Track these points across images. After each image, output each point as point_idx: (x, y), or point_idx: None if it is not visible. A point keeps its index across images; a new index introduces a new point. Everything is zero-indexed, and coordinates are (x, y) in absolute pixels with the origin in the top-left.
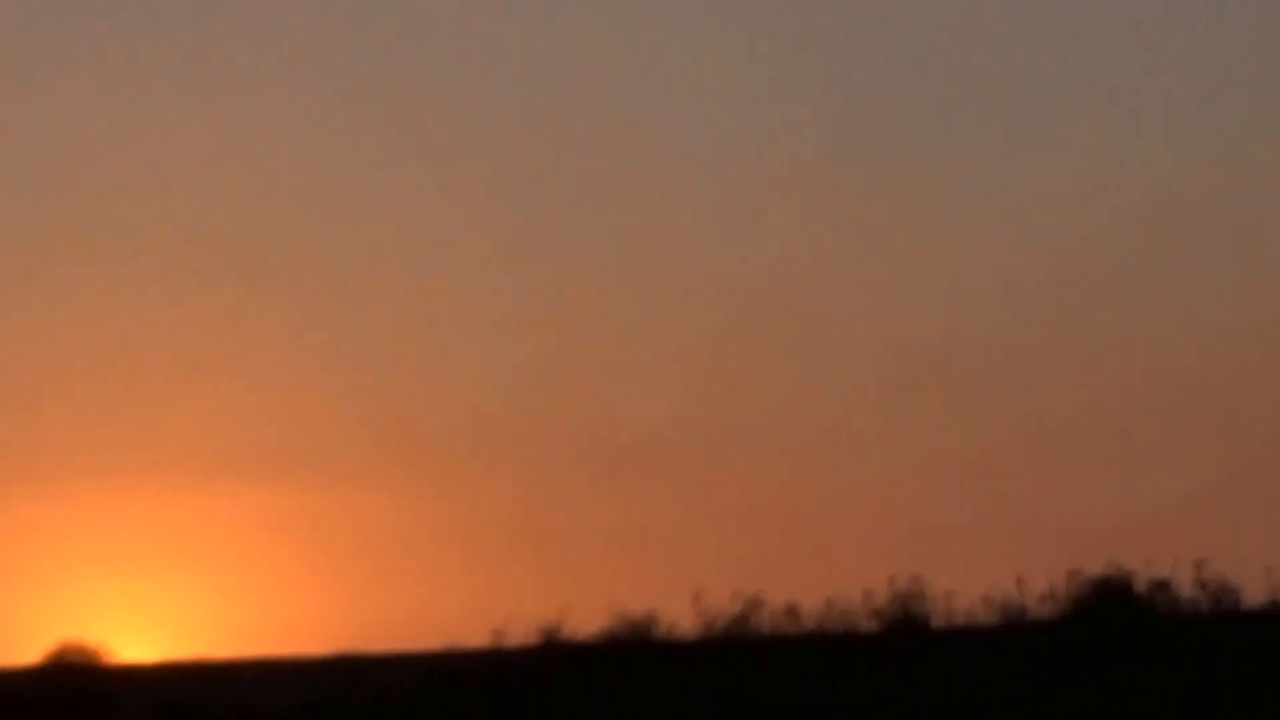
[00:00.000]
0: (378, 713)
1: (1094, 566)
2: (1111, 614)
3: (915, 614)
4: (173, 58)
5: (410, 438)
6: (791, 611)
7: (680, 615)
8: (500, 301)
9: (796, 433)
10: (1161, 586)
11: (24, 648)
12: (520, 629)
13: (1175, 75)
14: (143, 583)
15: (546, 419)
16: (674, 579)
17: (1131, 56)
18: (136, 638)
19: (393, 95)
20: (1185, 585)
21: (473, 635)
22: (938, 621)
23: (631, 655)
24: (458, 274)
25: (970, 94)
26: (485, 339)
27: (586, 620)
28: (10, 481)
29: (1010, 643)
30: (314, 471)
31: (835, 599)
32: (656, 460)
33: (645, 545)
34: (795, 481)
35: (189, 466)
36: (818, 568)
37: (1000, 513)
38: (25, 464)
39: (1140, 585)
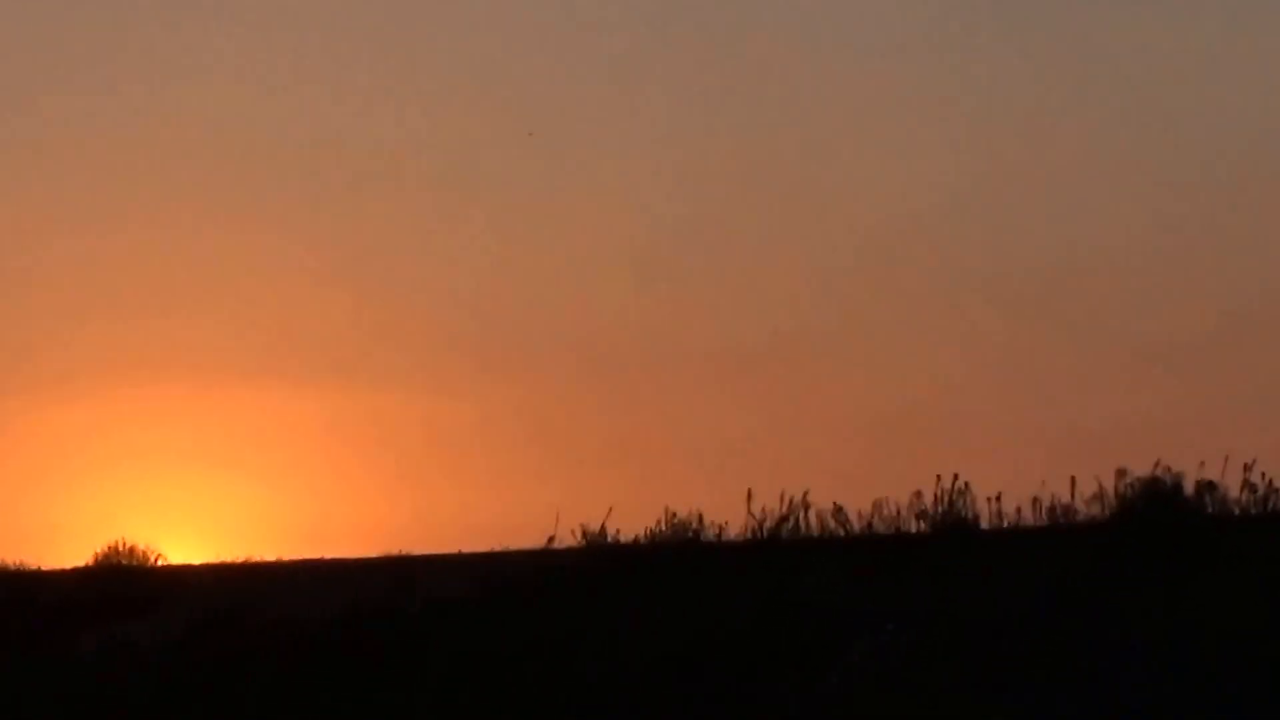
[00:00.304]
0: (427, 615)
1: (1142, 468)
2: (1159, 516)
3: (962, 516)
4: None
5: (462, 341)
6: (839, 513)
7: (728, 517)
8: (563, 207)
9: (844, 336)
10: (1209, 487)
11: (72, 550)
12: (569, 532)
13: None
14: (191, 484)
15: (597, 325)
16: (722, 482)
17: None
18: (185, 540)
19: None
20: (1234, 487)
21: (522, 538)
22: (985, 523)
23: (679, 556)
24: (530, 181)
25: None
26: (537, 246)
27: (634, 523)
28: (58, 380)
29: (1057, 544)
30: (366, 373)
31: (883, 501)
32: (704, 365)
33: (693, 449)
34: (843, 384)
35: (241, 365)
36: (866, 470)
37: (1048, 413)
38: (73, 362)
39: (1189, 486)
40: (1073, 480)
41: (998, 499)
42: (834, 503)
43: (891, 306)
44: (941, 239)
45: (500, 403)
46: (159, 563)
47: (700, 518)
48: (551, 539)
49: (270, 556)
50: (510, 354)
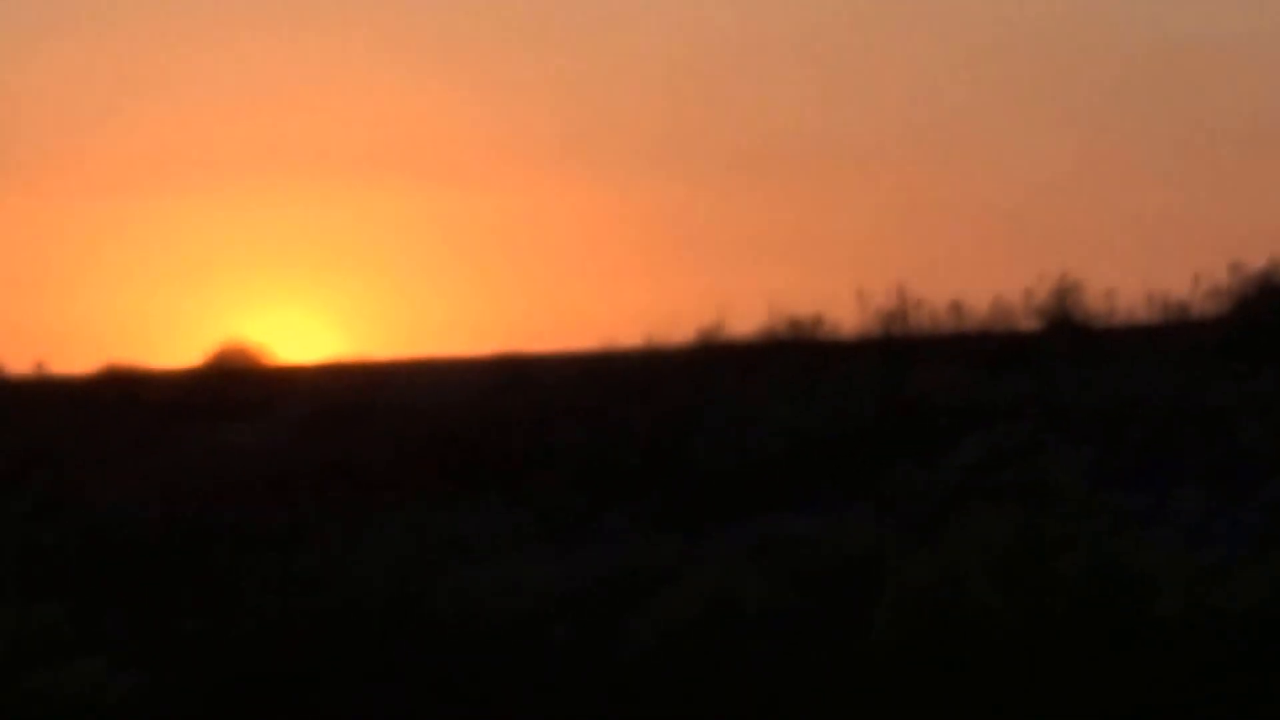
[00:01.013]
0: (538, 411)
1: (1257, 261)
2: (1275, 310)
3: (1075, 311)
4: None
5: (573, 139)
6: (953, 309)
7: (841, 314)
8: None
9: (960, 131)
10: None
11: (184, 350)
12: (680, 329)
13: None
14: (304, 282)
15: (708, 120)
16: (835, 279)
17: None
18: (298, 338)
19: None
20: None
21: (632, 335)
22: (1098, 319)
23: (793, 354)
24: None
25: None
26: (646, 41)
27: (746, 320)
28: (172, 179)
29: (1171, 339)
30: (479, 171)
31: (997, 297)
32: (817, 162)
33: (806, 246)
34: (957, 180)
35: (355, 165)
36: (980, 267)
37: (1165, 207)
38: (188, 161)
39: None
40: (1195, 277)
41: (1111, 294)
42: (950, 300)
43: (1006, 99)
44: (1056, 27)
45: (614, 201)
46: (271, 362)
47: (814, 315)
48: (665, 336)
49: (383, 355)
50: (621, 153)
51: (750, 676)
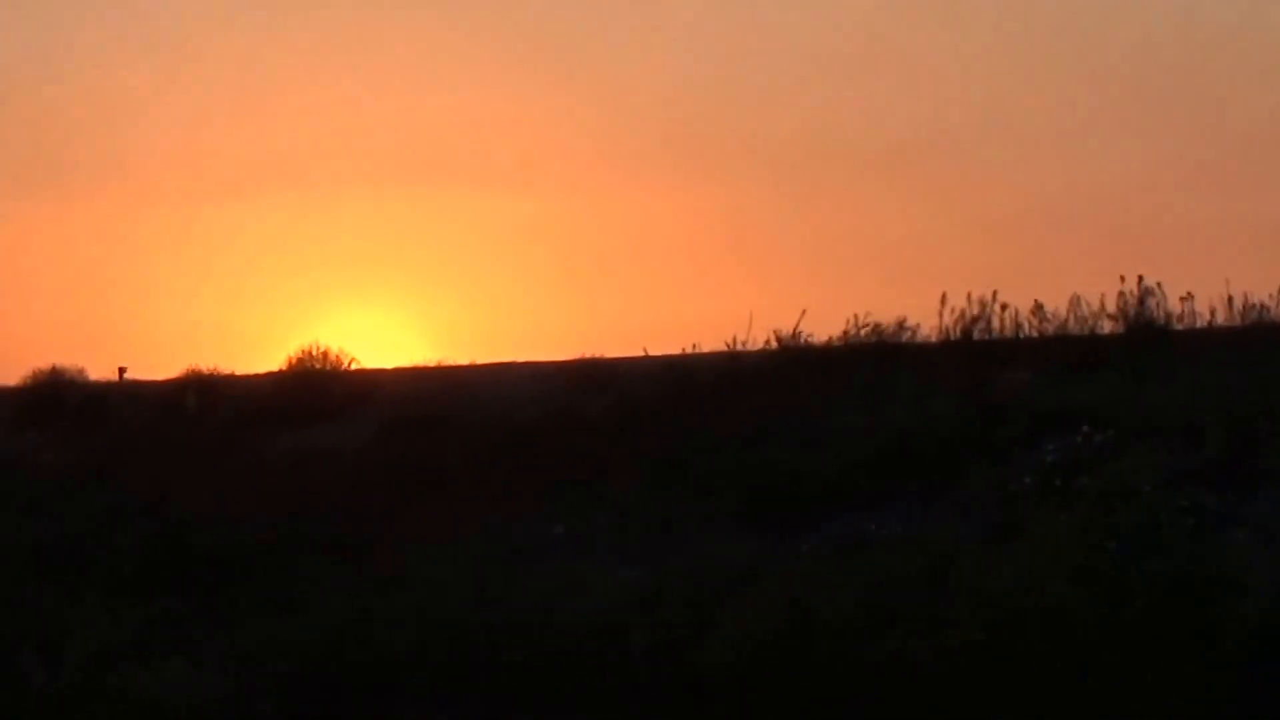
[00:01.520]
0: (618, 417)
1: None
2: None
3: (1154, 315)
4: None
5: (656, 143)
6: (1034, 312)
7: (921, 318)
8: (755, 13)
9: (1037, 133)
10: None
11: (266, 355)
12: (761, 334)
13: None
14: (385, 288)
15: (790, 125)
16: (915, 283)
17: None
18: (378, 343)
19: None
20: None
21: (714, 341)
22: (1178, 322)
23: (872, 358)
24: None
25: None
26: (726, 47)
27: (827, 325)
28: (254, 186)
29: (1252, 341)
30: (561, 177)
31: (1076, 300)
32: (894, 167)
33: (886, 251)
34: (1036, 181)
35: (436, 170)
36: (1059, 270)
37: (1246, 208)
38: (269, 168)
39: None
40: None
41: (1190, 298)
42: (1033, 301)
43: (1086, 99)
44: (1136, 23)
45: (693, 207)
46: (352, 367)
47: (893, 319)
48: (744, 342)
49: (463, 360)
50: (703, 158)
51: (829, 680)
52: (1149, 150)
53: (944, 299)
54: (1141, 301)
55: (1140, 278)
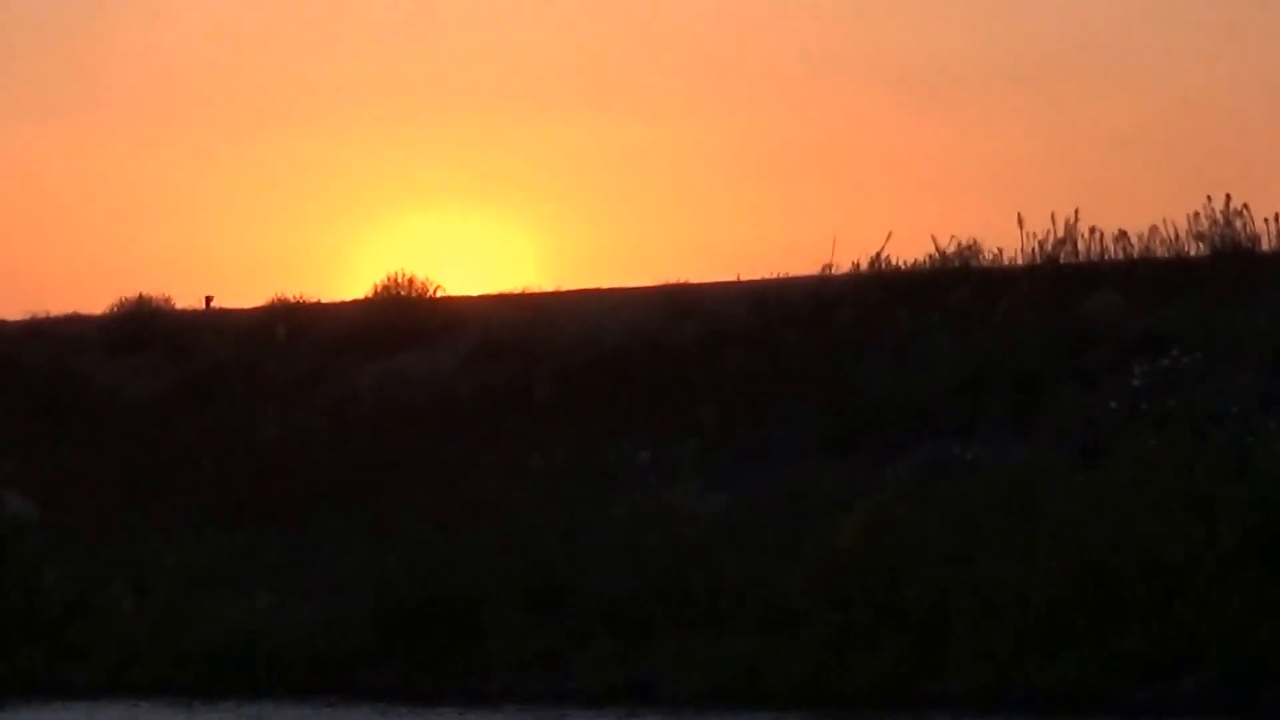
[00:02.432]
0: (706, 343)
1: None
2: None
3: (1240, 237)
4: None
5: (741, 69)
6: (1119, 236)
7: (1007, 242)
8: None
9: (1117, 51)
10: None
11: (353, 282)
12: (846, 258)
13: None
14: (470, 216)
15: (870, 49)
16: (998, 206)
17: None
18: (464, 271)
19: None
20: None
21: (801, 265)
22: (1265, 244)
23: (958, 281)
24: None
25: None
26: None
27: (912, 248)
28: (341, 116)
29: None
30: (646, 103)
31: (1160, 223)
32: (977, 88)
33: (969, 173)
34: (1118, 104)
35: (519, 99)
36: (1143, 192)
37: None
38: (357, 96)
39: None
40: None
41: (1277, 219)
42: (1118, 225)
43: (1166, 19)
44: None
45: (777, 131)
46: (438, 294)
47: (977, 243)
48: (829, 265)
49: (550, 287)
50: (787, 82)
51: (913, 602)
52: (1237, 69)
53: (1020, 221)
54: (1228, 223)
55: (1227, 197)
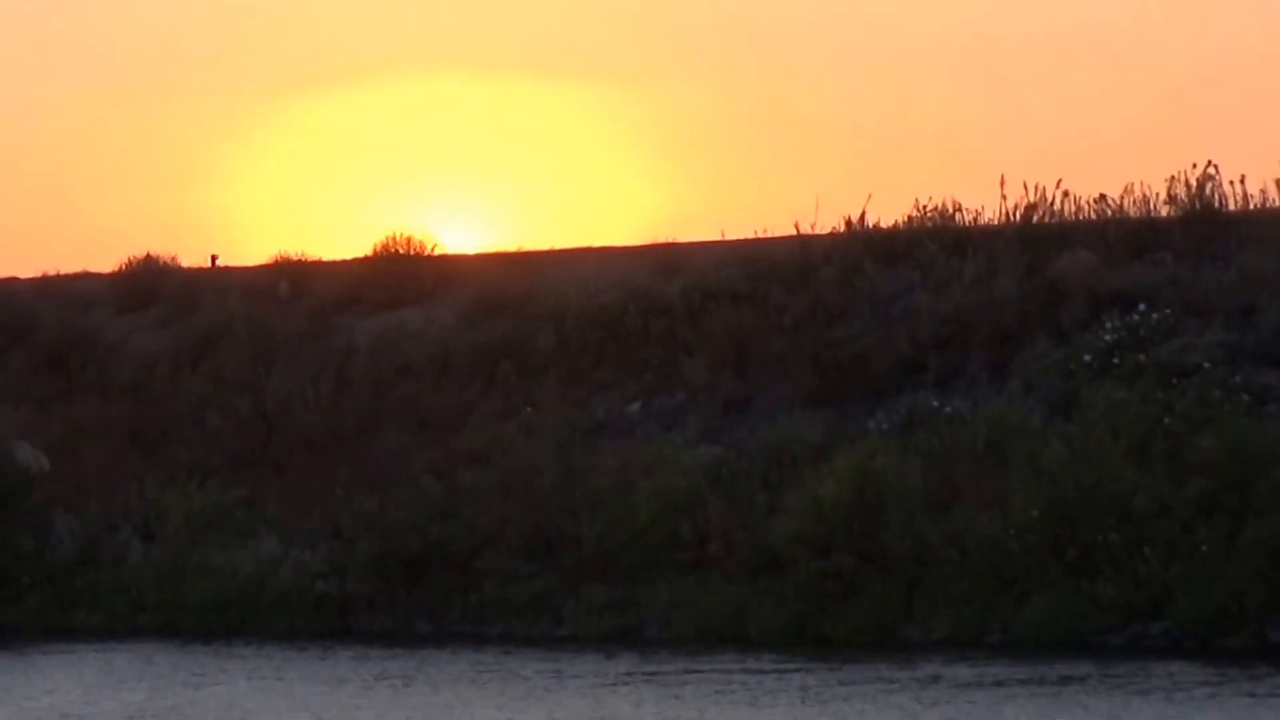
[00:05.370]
0: (692, 299)
1: None
2: None
3: (1210, 200)
4: None
5: (721, 33)
6: (1096, 200)
7: (983, 202)
8: None
9: (1089, 27)
10: None
11: (352, 240)
12: (829, 218)
13: None
14: (466, 175)
15: (852, 15)
16: (975, 169)
17: None
18: (459, 229)
19: None
20: None
21: (783, 225)
22: (1232, 206)
23: (935, 239)
24: None
25: None
26: None
27: (892, 209)
28: (338, 75)
29: None
30: (631, 65)
31: (1132, 185)
32: (955, 54)
33: (947, 137)
34: (1093, 74)
35: (512, 60)
36: (1117, 158)
37: None
38: (352, 56)
39: None
40: None
41: (1242, 181)
42: (1098, 194)
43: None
44: None
45: (759, 93)
46: (434, 252)
47: (955, 203)
48: (813, 225)
49: (542, 245)
50: (767, 45)
51: (893, 549)
52: (1205, 40)
53: (1003, 182)
54: (1201, 186)
55: (1210, 162)
